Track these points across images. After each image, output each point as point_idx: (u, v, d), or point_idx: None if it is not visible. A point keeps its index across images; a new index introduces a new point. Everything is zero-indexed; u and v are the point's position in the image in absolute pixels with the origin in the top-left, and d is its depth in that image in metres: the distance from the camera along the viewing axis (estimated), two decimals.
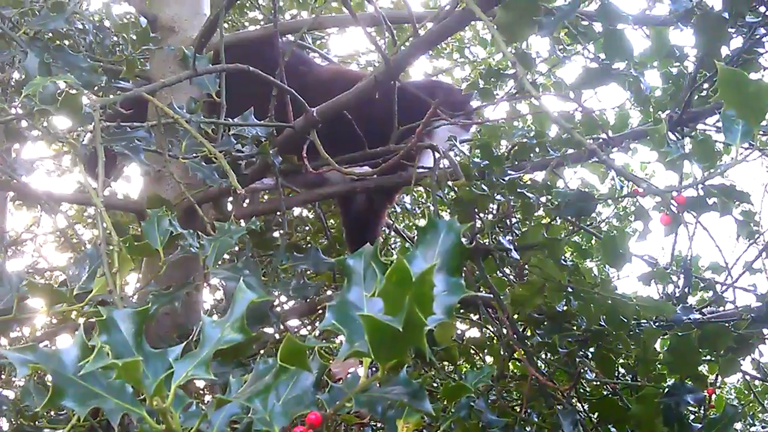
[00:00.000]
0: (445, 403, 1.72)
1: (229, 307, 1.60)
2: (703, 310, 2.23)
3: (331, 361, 1.51)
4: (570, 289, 2.02)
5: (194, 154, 1.84)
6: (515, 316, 2.09)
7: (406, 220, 3.76)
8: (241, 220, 2.48)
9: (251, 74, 2.03)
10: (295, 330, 3.24)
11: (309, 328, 3.44)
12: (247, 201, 2.84)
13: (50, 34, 2.12)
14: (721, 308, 2.28)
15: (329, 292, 3.09)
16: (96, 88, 1.85)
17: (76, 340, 0.77)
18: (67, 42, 2.52)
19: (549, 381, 1.98)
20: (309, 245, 3.36)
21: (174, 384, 0.76)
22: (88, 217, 3.88)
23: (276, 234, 3.06)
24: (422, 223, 3.10)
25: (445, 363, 2.56)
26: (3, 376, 2.30)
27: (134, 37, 2.56)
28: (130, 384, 0.75)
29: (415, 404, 0.87)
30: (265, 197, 3.11)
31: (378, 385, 0.89)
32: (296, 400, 0.86)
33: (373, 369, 0.87)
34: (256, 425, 0.81)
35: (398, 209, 3.40)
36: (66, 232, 3.17)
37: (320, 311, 2.95)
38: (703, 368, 2.14)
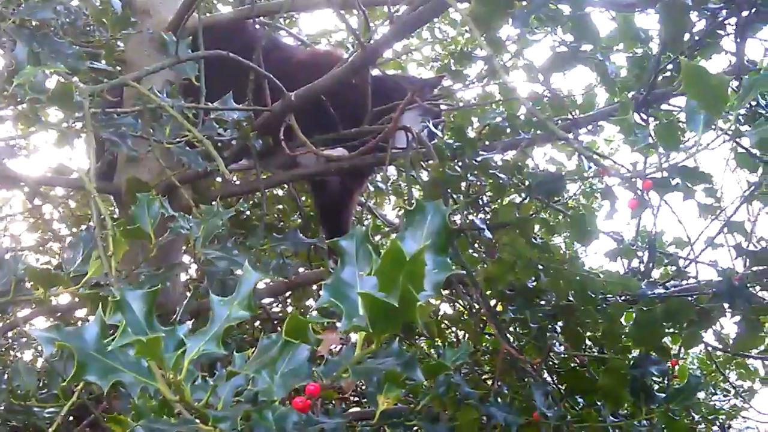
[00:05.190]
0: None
1: (211, 287, 1.66)
2: (667, 284, 2.31)
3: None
4: (540, 266, 2.09)
5: (176, 139, 1.89)
6: (488, 292, 2.16)
7: (377, 198, 3.81)
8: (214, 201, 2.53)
9: (228, 59, 2.08)
10: (268, 307, 3.30)
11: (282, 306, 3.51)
12: (219, 180, 2.89)
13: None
14: (684, 282, 2.36)
15: (301, 270, 3.15)
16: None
17: (96, 319, 0.83)
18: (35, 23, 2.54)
19: (520, 355, 2.05)
20: (282, 224, 3.42)
21: (187, 358, 0.82)
22: (57, 196, 3.88)
23: (248, 213, 3.12)
24: (393, 199, 3.15)
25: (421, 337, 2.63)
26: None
27: (107, 21, 2.58)
28: (149, 359, 0.81)
29: (408, 373, 0.94)
30: (235, 177, 3.15)
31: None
32: (293, 373, 0.93)
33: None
34: (260, 396, 0.87)
35: (371, 188, 3.45)
36: (40, 211, 3.20)
37: (293, 289, 3.01)
38: (668, 340, 2.23)
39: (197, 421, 0.86)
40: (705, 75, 1.17)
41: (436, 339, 2.64)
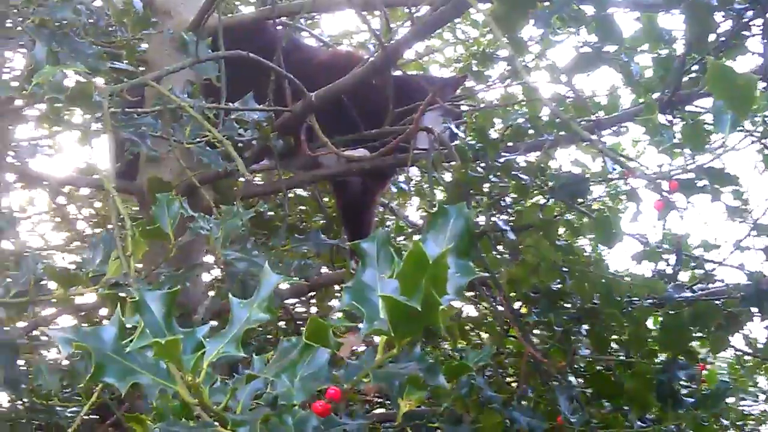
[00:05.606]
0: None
1: (231, 288, 1.65)
2: (694, 288, 2.28)
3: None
4: (564, 269, 2.07)
5: (197, 139, 1.89)
6: (511, 294, 2.14)
7: (400, 199, 3.79)
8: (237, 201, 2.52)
9: (249, 59, 2.07)
10: (291, 307, 3.29)
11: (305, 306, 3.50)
12: (241, 179, 2.88)
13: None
14: (712, 285, 2.33)
15: (324, 270, 3.13)
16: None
17: (114, 320, 0.82)
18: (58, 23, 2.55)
19: (544, 358, 2.03)
20: (304, 224, 3.42)
21: (206, 361, 0.81)
22: (82, 196, 3.89)
23: (271, 213, 3.11)
24: (417, 201, 3.13)
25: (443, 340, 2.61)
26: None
27: (130, 21, 2.58)
28: (167, 361, 0.79)
29: (429, 379, 0.92)
30: (259, 178, 3.14)
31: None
32: (313, 376, 0.91)
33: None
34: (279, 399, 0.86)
35: (393, 189, 3.43)
36: (64, 211, 3.20)
37: (316, 290, 3.00)
38: (697, 345, 2.20)
39: (216, 424, 0.85)
40: (731, 74, 1.15)
41: (460, 341, 2.62)
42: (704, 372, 2.15)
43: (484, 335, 2.81)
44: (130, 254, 1.27)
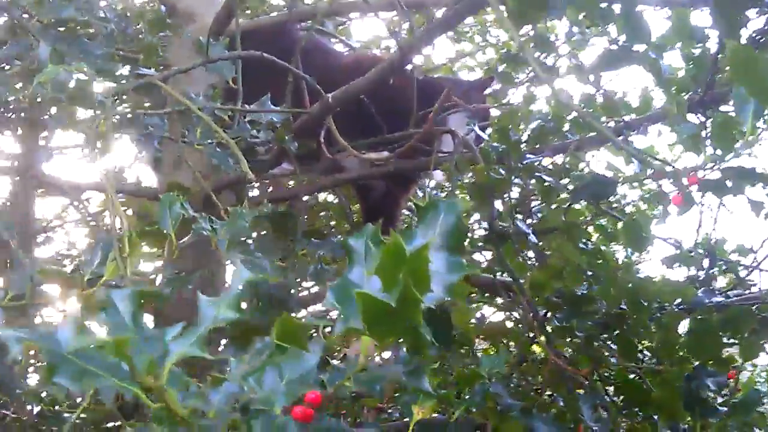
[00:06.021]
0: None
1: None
2: (729, 293, 2.20)
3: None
4: (589, 273, 2.00)
5: (210, 141, 1.85)
6: (535, 299, 2.07)
7: None
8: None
9: (266, 60, 2.04)
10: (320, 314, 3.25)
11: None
12: (270, 188, 2.86)
13: (72, 24, 2.12)
14: (747, 291, 2.25)
15: None
16: (118, 74, 1.86)
17: (72, 320, 0.77)
18: (91, 30, 2.54)
19: (569, 365, 1.96)
20: (333, 230, 3.38)
21: (168, 362, 0.76)
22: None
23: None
24: None
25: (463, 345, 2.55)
26: None
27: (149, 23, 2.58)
28: (125, 363, 0.75)
29: (413, 383, 0.87)
30: (292, 183, 3.11)
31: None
32: (299, 380, 0.86)
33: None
34: (255, 404, 0.81)
35: (420, 194, 3.37)
36: (94, 218, 3.20)
37: None
38: (735, 352, 2.12)
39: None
40: (754, 59, 1.08)
41: (486, 348, 2.56)
42: (739, 379, 2.07)
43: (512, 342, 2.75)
44: (126, 255, 1.24)
